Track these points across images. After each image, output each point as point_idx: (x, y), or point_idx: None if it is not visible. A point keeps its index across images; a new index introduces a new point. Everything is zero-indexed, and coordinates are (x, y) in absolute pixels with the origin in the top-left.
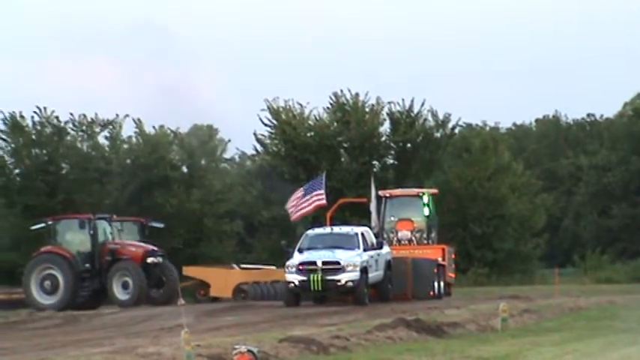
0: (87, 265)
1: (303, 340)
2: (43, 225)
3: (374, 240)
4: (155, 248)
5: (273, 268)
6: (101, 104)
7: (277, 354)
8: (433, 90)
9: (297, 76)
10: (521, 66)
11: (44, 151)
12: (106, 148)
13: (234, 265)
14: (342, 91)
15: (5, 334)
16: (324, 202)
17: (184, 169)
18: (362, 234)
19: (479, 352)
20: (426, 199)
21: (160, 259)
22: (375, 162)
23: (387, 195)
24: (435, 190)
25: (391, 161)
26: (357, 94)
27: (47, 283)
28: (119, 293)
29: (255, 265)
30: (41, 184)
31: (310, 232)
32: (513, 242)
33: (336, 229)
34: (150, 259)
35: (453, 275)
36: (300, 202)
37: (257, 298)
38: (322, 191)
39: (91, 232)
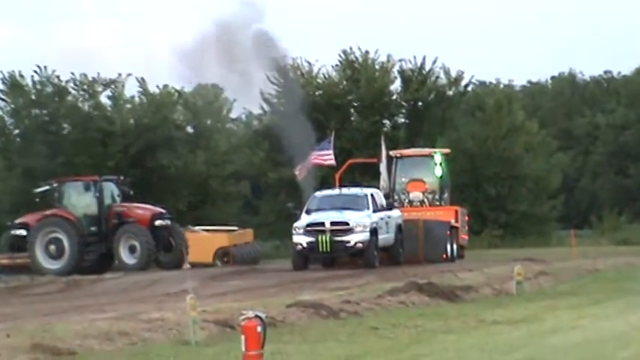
0: (93, 228)
1: (312, 305)
2: (47, 187)
3: (384, 201)
4: (163, 210)
5: (236, 229)
6: (103, 63)
7: (285, 319)
8: (445, 47)
9: (304, 33)
10: (536, 22)
11: (44, 112)
12: (109, 109)
13: (190, 227)
14: (351, 48)
15: (6, 299)
16: (332, 162)
17: (189, 129)
18: (372, 195)
19: (494, 316)
20: (438, 158)
21: (169, 222)
22: (385, 121)
23: (398, 155)
24: (447, 150)
25: (402, 120)
26: (367, 52)
27: (52, 247)
28: (126, 257)
29: (215, 227)
30: (41, 145)
31: (318, 193)
32: (528, 203)
33: (345, 190)
34: (158, 222)
35: (466, 237)
36: (307, 162)
37: (242, 262)
38: (330, 151)
39: (97, 194)
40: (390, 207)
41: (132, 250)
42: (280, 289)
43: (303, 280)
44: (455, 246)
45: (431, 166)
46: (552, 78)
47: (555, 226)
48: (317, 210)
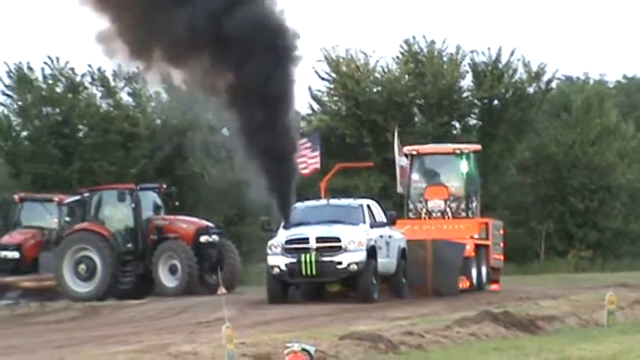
0: (129, 245)
1: (368, 337)
2: (78, 198)
3: (383, 216)
4: (211, 224)
5: None
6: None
7: (337, 353)
8: (524, 36)
9: (361, 19)
10: (632, 5)
11: (57, 110)
12: (131, 107)
13: None
14: (414, 37)
15: (13, 329)
16: (317, 165)
17: (225, 131)
18: (368, 207)
19: (580, 351)
20: (464, 157)
21: (216, 238)
22: (455, 122)
23: (414, 152)
24: (477, 147)
25: (474, 122)
26: (432, 42)
27: (82, 267)
28: (166, 279)
29: None
30: (54, 149)
31: (300, 204)
32: (622, 219)
33: (334, 201)
34: (203, 238)
35: (501, 258)
36: (310, 156)
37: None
38: (317, 153)
39: (133, 205)
40: (391, 221)
41: (172, 270)
42: (332, 319)
43: (359, 309)
44: (484, 269)
45: (455, 168)
46: None
47: None
48: (298, 225)
